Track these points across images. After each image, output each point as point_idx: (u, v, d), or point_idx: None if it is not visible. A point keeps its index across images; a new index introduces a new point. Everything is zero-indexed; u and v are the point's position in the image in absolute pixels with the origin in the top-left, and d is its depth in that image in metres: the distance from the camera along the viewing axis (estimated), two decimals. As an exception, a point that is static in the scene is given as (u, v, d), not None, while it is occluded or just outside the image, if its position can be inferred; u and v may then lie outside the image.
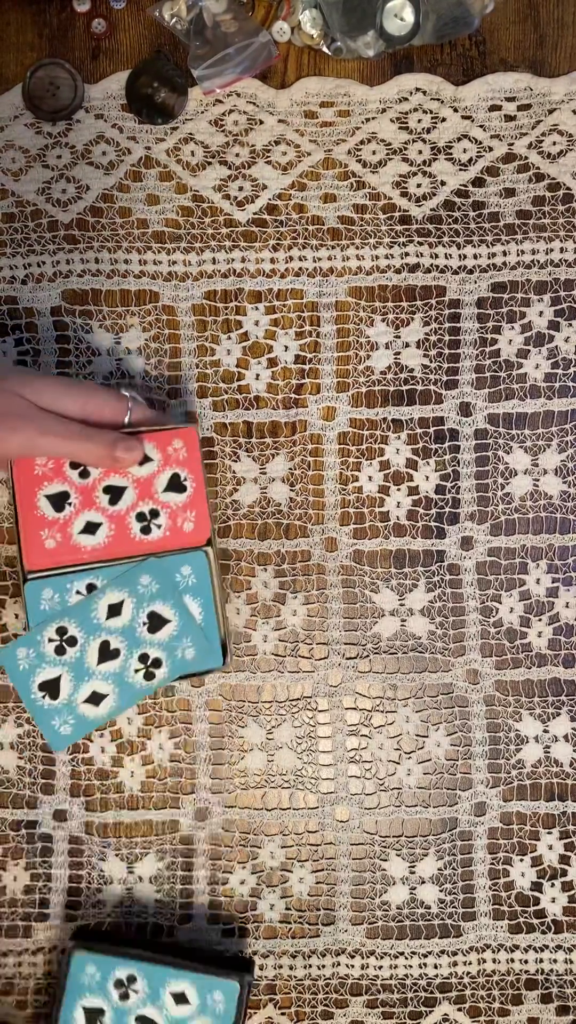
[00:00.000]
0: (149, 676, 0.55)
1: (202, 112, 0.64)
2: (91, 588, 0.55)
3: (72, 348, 0.64)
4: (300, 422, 0.64)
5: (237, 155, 0.64)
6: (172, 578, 0.55)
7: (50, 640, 0.54)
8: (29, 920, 0.63)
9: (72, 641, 0.54)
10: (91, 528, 0.55)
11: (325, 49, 0.63)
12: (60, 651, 0.54)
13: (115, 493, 0.56)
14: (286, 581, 0.64)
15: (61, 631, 0.54)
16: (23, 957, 0.63)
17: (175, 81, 0.63)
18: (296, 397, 0.64)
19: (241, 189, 0.64)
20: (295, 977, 0.63)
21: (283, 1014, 0.63)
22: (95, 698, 0.54)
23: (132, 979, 0.57)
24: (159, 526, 0.56)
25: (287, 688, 0.64)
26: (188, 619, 0.55)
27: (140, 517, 0.56)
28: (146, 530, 0.55)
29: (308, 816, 0.64)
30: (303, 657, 0.64)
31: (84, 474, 0.56)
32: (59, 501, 0.55)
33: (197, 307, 0.64)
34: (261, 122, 0.64)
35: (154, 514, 0.56)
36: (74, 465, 0.56)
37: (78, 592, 0.55)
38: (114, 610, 0.55)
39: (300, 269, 0.64)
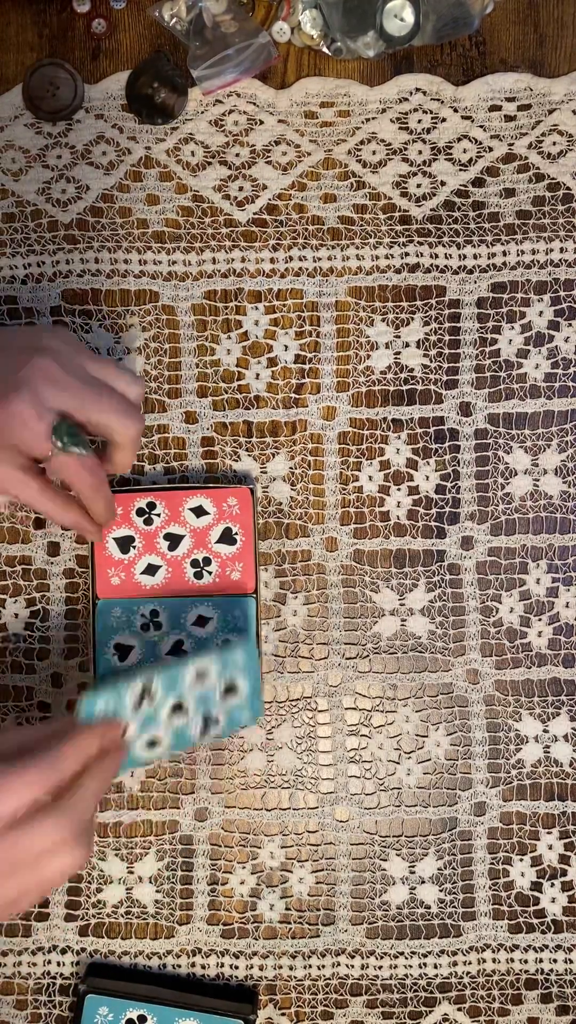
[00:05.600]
0: (204, 730, 0.57)
1: (202, 112, 0.64)
2: (155, 613, 0.61)
3: (72, 348, 0.64)
4: (300, 422, 0.64)
5: (237, 155, 0.64)
6: (256, 656, 0.59)
7: (132, 696, 0.54)
8: (29, 920, 0.63)
9: (152, 698, 0.55)
10: (151, 570, 0.62)
11: (325, 49, 0.63)
12: (137, 705, 0.54)
13: (174, 540, 0.62)
14: (286, 581, 0.64)
15: (146, 690, 0.54)
16: (23, 957, 0.63)
17: (175, 81, 0.63)
18: (296, 397, 0.64)
19: (241, 189, 0.64)
20: (295, 977, 0.63)
21: (283, 1014, 0.63)
22: (151, 742, 0.55)
23: (143, 1019, 0.60)
24: (210, 572, 0.62)
25: (287, 688, 0.64)
26: (255, 692, 0.58)
27: (194, 563, 0.62)
28: (199, 575, 0.62)
29: (308, 816, 0.64)
30: (303, 657, 0.64)
31: (148, 521, 0.62)
32: (125, 544, 0.62)
33: (197, 307, 0.64)
34: (261, 122, 0.64)
35: (207, 561, 0.62)
36: (139, 512, 0.62)
37: (142, 615, 0.61)
38: (201, 675, 0.56)
39: (300, 269, 0.64)
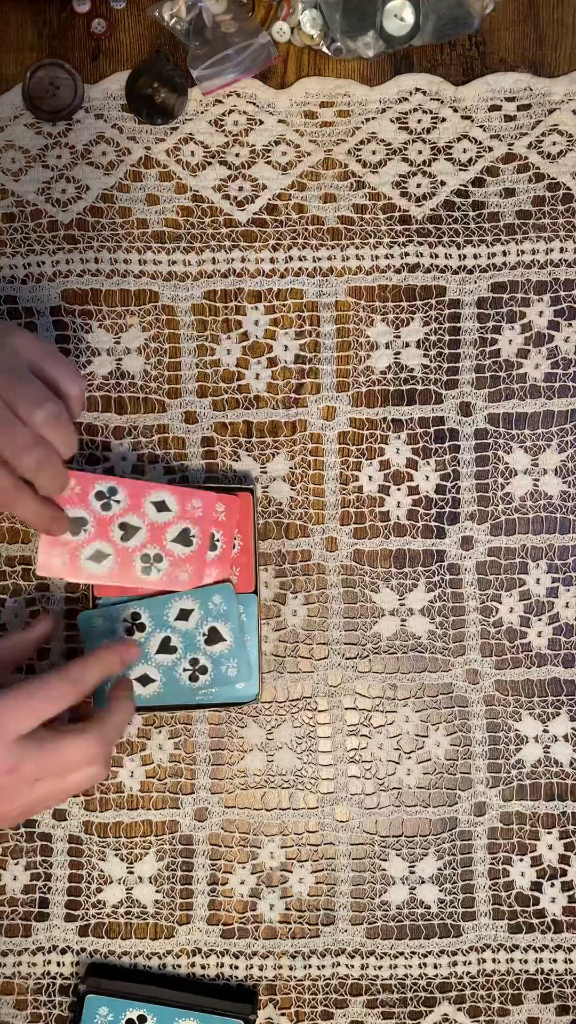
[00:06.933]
0: (193, 678, 0.61)
1: (202, 112, 0.64)
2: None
3: (72, 348, 0.64)
4: (300, 422, 0.64)
5: (237, 155, 0.64)
6: (237, 606, 0.61)
7: (124, 619, 0.61)
8: (29, 920, 0.63)
9: (141, 627, 0.61)
10: (99, 557, 0.60)
11: (325, 49, 0.63)
12: (129, 631, 0.61)
13: (129, 530, 0.60)
14: (286, 581, 0.64)
15: (135, 616, 0.61)
16: (23, 957, 0.63)
17: (175, 81, 0.63)
18: (296, 397, 0.64)
19: (241, 189, 0.64)
20: (295, 977, 0.63)
21: (283, 1014, 0.63)
22: (144, 679, 0.61)
23: (143, 1019, 0.60)
24: (159, 570, 0.60)
25: (287, 688, 0.64)
26: (240, 643, 0.61)
27: (144, 558, 0.60)
28: (147, 571, 0.61)
29: (308, 816, 0.64)
30: (303, 657, 0.64)
31: (106, 507, 0.60)
32: (76, 526, 0.60)
33: (197, 307, 0.64)
34: (261, 122, 0.64)
35: (158, 558, 0.61)
36: (98, 496, 0.60)
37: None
38: (183, 614, 0.61)
39: (300, 269, 0.64)
